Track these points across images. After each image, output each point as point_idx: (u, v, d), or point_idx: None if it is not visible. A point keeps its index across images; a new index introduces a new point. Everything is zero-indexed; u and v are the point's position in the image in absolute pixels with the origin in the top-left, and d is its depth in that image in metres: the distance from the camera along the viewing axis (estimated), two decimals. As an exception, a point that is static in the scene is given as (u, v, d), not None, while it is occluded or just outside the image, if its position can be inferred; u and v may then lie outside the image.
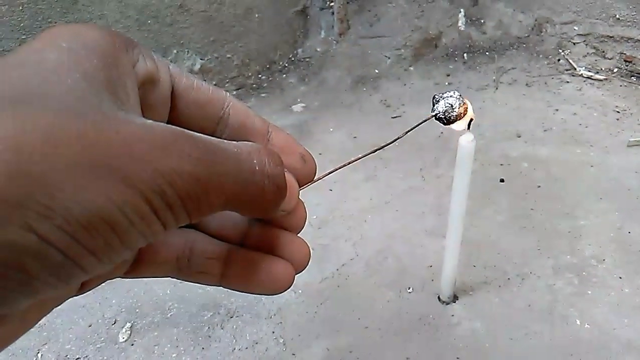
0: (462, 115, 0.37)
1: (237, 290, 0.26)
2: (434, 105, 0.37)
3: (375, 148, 0.33)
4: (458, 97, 0.36)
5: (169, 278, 0.26)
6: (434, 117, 0.36)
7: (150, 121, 0.18)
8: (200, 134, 0.19)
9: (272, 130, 0.26)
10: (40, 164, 0.14)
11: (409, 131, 0.33)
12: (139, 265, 0.23)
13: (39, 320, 0.20)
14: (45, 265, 0.15)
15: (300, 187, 0.25)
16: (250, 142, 0.21)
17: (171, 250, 0.24)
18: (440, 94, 0.37)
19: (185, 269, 0.25)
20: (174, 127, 0.18)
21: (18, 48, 0.18)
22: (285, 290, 0.25)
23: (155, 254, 0.24)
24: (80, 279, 0.16)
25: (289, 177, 0.23)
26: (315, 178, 0.27)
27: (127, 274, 0.23)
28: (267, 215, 0.25)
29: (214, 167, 0.18)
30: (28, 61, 0.17)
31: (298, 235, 0.27)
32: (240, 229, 0.26)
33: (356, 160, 0.32)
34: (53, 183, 0.15)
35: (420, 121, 0.35)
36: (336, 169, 0.30)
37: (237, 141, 0.21)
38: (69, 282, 0.16)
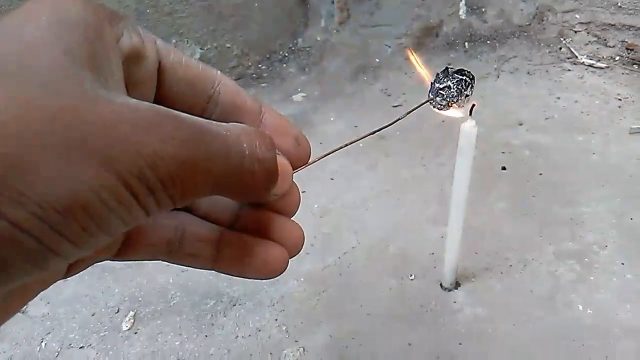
0: (462, 101, 0.37)
1: (231, 274, 0.25)
2: (432, 86, 0.37)
3: (373, 130, 0.33)
4: (457, 82, 0.36)
5: (173, 267, 0.26)
6: (429, 102, 0.36)
7: (134, 100, 0.17)
8: (187, 114, 0.18)
9: (265, 111, 0.25)
10: (14, 146, 0.14)
11: (408, 112, 0.33)
12: (129, 247, 0.23)
13: (24, 305, 0.19)
14: (19, 252, 0.14)
15: (293, 170, 0.24)
16: (242, 124, 0.20)
17: (162, 233, 0.24)
18: (444, 74, 0.37)
19: (177, 251, 0.24)
20: (158, 106, 0.17)
21: None
22: (279, 274, 0.25)
23: (145, 237, 0.23)
24: (59, 264, 0.16)
25: (282, 160, 0.23)
26: (309, 161, 0.27)
27: (117, 257, 0.23)
28: (258, 200, 0.24)
29: (200, 150, 0.17)
30: (6, 35, 0.16)
31: (292, 219, 0.26)
32: (232, 212, 0.26)
33: (352, 142, 0.31)
34: (27, 166, 0.14)
35: (418, 104, 0.35)
36: (332, 152, 0.29)
37: (228, 122, 0.20)
38: (45, 268, 0.15)
